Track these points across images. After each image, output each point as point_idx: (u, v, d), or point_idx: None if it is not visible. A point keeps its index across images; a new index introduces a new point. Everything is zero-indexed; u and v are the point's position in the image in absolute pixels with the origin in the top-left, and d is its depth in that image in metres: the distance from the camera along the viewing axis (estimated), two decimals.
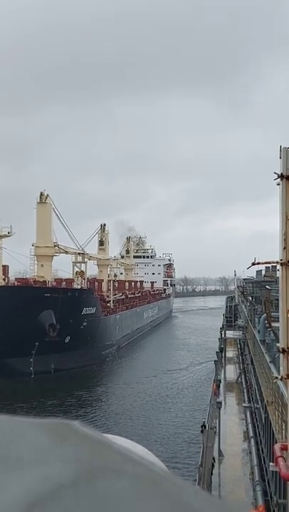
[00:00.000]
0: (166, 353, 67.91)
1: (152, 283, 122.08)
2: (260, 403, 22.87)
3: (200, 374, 51.70)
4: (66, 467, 0.65)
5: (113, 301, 66.92)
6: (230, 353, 44.19)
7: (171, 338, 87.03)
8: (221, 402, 23.09)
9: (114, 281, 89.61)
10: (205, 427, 18.87)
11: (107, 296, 66.20)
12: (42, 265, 61.23)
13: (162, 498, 0.64)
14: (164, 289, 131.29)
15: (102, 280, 76.22)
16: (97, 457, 0.69)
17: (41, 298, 47.72)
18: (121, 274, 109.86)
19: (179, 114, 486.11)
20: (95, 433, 0.77)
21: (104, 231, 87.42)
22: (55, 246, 61.63)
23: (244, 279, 75.11)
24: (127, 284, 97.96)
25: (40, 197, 61.50)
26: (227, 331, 47.73)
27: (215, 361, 35.57)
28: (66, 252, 66.22)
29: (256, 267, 74.56)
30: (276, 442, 12.95)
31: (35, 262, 61.62)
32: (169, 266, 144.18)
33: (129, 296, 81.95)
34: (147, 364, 58.59)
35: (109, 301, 64.93)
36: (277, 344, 12.21)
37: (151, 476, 0.68)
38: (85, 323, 53.28)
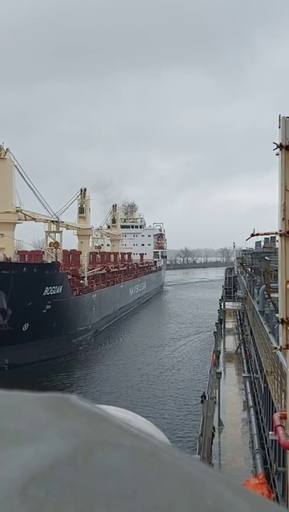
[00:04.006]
0: (156, 331, 61.29)
1: (142, 255, 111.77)
2: (259, 373, 22.95)
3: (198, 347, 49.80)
4: (64, 442, 0.64)
5: (88, 277, 56.09)
6: (230, 324, 44.14)
7: (163, 315, 78.05)
8: (220, 373, 23.24)
9: (96, 253, 79.53)
10: (205, 397, 18.85)
11: (82, 272, 55.40)
12: (2, 235, 50.41)
13: (160, 470, 0.64)
14: (155, 262, 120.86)
15: (80, 252, 65.33)
16: (94, 431, 0.68)
17: None
18: (108, 245, 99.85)
19: (179, 89, 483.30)
20: (93, 407, 0.75)
21: (84, 197, 76.53)
22: (17, 211, 50.73)
23: (243, 251, 73.26)
24: (112, 256, 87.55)
25: None
26: (226, 302, 47.90)
27: (214, 332, 34.97)
28: (34, 220, 55.56)
29: (255, 238, 66.98)
30: (275, 411, 13.33)
31: None
32: (160, 236, 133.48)
33: (112, 270, 71.25)
34: (131, 346, 51.22)
35: (83, 278, 54.12)
36: (277, 315, 12.91)
37: (150, 449, 0.68)
38: (48, 307, 42.65)
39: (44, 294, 41.91)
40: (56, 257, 56.49)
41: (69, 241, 74.08)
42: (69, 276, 49.43)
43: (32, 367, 39.96)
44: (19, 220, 51.84)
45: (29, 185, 53.70)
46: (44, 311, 42.35)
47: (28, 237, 71.17)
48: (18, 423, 0.68)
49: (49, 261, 50.91)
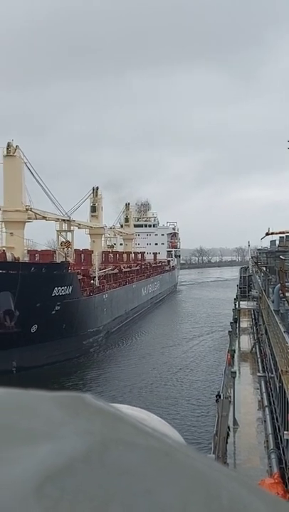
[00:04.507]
0: (170, 331, 60.11)
1: (155, 254, 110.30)
2: (274, 372, 22.94)
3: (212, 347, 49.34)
4: (79, 440, 0.64)
5: (100, 276, 54.83)
6: (245, 323, 43.98)
7: (177, 315, 76.66)
8: (235, 372, 23.19)
9: (109, 252, 78.34)
10: (220, 397, 18.72)
11: (93, 272, 54.14)
12: (11, 234, 49.41)
13: (175, 469, 0.64)
14: (168, 261, 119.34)
15: (92, 252, 64.09)
16: (109, 430, 0.68)
17: None
18: (121, 245, 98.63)
19: (191, 88, 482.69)
20: (107, 406, 0.76)
21: (96, 195, 75.38)
22: (27, 210, 49.67)
23: (258, 250, 74.29)
24: (125, 255, 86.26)
25: (8, 149, 49.26)
26: (241, 302, 47.81)
27: (229, 332, 35.01)
28: (44, 218, 54.47)
29: (270, 237, 65.98)
30: None
31: (3, 229, 49.90)
32: (174, 235, 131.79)
33: (124, 270, 69.94)
34: (143, 347, 50.08)
35: (94, 278, 52.85)
36: None
37: (165, 448, 0.68)
38: (57, 308, 41.43)
39: (53, 294, 40.71)
40: (66, 256, 55.41)
41: (81, 240, 73.23)
42: (79, 276, 48.22)
43: (41, 369, 38.82)
44: (29, 218, 50.81)
45: (40, 184, 52.65)
46: (53, 312, 41.16)
47: (43, 237, 70.41)
48: (33, 422, 0.68)
49: (59, 260, 49.86)
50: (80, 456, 0.61)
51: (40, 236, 72.50)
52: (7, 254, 41.64)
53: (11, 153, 48.99)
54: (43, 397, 0.75)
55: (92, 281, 52.14)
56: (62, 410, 0.71)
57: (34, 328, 39.66)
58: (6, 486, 0.57)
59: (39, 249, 54.98)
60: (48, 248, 62.03)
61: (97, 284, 52.91)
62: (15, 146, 49.41)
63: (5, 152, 49.09)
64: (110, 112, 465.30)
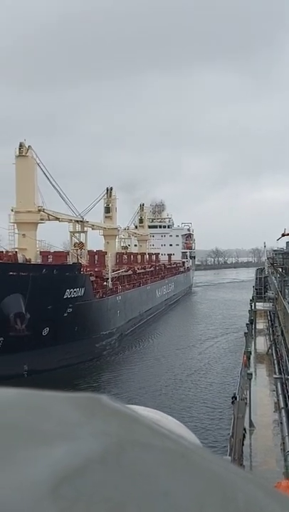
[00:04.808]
0: (185, 332, 59.51)
1: (170, 255, 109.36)
2: None
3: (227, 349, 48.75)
4: (95, 442, 0.64)
5: (113, 278, 54.04)
6: (261, 324, 43.75)
7: (192, 316, 75.80)
8: (251, 374, 23.13)
9: (123, 254, 77.62)
10: (236, 398, 18.58)
11: (106, 273, 53.37)
12: (23, 235, 48.92)
13: (191, 471, 0.64)
14: (183, 262, 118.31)
15: (105, 253, 63.32)
16: (125, 431, 0.68)
17: (3, 278, 35.23)
18: (135, 246, 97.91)
19: (210, 88, 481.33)
20: (123, 407, 0.76)
21: (110, 196, 74.74)
22: (39, 211, 49.13)
23: (274, 251, 72.57)
24: (139, 257, 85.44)
25: (20, 149, 48.74)
26: (257, 303, 47.82)
27: (245, 333, 35.01)
28: (57, 219, 53.93)
29: (286, 238, 65.02)
30: None
31: (15, 231, 49.39)
32: (189, 236, 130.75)
33: (138, 271, 69.08)
34: (158, 349, 49.37)
35: (107, 279, 52.06)
36: None
37: (181, 450, 0.68)
38: (69, 310, 40.67)
39: (65, 296, 39.98)
40: (78, 257, 54.75)
41: (95, 241, 72.65)
42: (92, 278, 47.47)
43: (53, 373, 38.11)
44: (41, 219, 50.31)
45: (52, 185, 52.13)
46: (65, 314, 40.42)
47: (58, 238, 70.00)
48: (48, 422, 0.68)
49: (71, 262, 49.23)
50: (96, 457, 0.61)
51: (56, 237, 72.27)
52: (18, 255, 41.05)
53: (23, 154, 48.49)
54: (59, 397, 0.75)
55: (105, 283, 51.35)
56: (78, 411, 0.70)
57: (46, 331, 38.98)
58: (22, 486, 0.57)
59: (52, 251, 54.31)
60: (63, 250, 61.47)
61: (110, 286, 52.12)
62: (27, 146, 48.91)
63: (17, 152, 48.63)
64: (127, 112, 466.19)
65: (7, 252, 45.23)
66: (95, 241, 72.17)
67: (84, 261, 56.72)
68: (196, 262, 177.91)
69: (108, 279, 52.19)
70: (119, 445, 0.64)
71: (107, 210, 74.45)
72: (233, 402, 18.53)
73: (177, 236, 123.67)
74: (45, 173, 50.46)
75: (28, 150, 48.78)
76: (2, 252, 48.88)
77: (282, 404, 21.94)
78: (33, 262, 43.77)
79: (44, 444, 0.63)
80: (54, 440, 0.64)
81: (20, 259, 40.35)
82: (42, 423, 0.68)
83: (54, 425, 0.67)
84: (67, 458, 0.61)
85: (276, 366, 29.27)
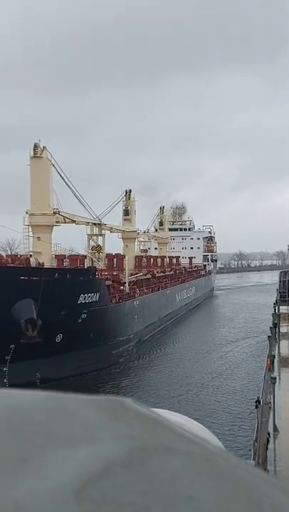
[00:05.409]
0: (206, 337, 58.11)
1: (190, 259, 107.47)
2: None
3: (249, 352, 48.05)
4: (118, 445, 0.64)
5: (130, 282, 52.42)
6: (284, 328, 43.09)
7: (214, 321, 74.06)
8: (275, 378, 23.00)
9: (142, 257, 76.08)
10: (259, 402, 18.21)
11: (123, 277, 51.78)
12: (38, 238, 47.62)
13: (216, 475, 0.64)
14: (204, 265, 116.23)
15: (124, 256, 61.76)
16: (149, 435, 0.68)
17: (14, 282, 33.86)
18: (155, 249, 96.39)
19: (230, 91, 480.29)
20: (148, 410, 0.76)
21: (129, 198, 73.27)
22: (55, 213, 47.78)
23: None
24: (159, 260, 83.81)
25: (35, 150, 47.49)
26: (281, 306, 47.10)
27: (269, 336, 34.57)
28: (74, 222, 52.57)
29: None
30: None
31: (30, 233, 48.16)
32: (210, 239, 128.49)
33: (158, 275, 67.38)
34: (177, 355, 48.13)
35: (124, 283, 50.45)
36: None
37: (205, 454, 0.68)
38: (84, 316, 39.14)
39: (79, 302, 38.46)
40: (98, 260, 53.34)
41: (114, 245, 71.26)
42: (108, 282, 45.92)
43: (67, 381, 36.64)
44: (57, 222, 49.01)
45: (69, 187, 50.80)
46: (79, 320, 38.90)
47: (81, 242, 68.80)
48: (72, 425, 0.69)
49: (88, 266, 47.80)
50: (119, 461, 0.61)
51: (78, 241, 71.15)
52: (31, 259, 39.65)
53: (38, 155, 47.22)
54: (82, 400, 0.75)
55: (122, 287, 49.73)
56: (102, 414, 0.70)
57: (59, 338, 37.50)
58: (47, 489, 0.57)
59: (67, 255, 53.02)
60: (83, 253, 60.10)
61: (127, 290, 50.48)
62: (42, 147, 47.67)
63: (32, 153, 47.42)
64: (149, 116, 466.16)
65: (21, 256, 44.05)
66: (113, 244, 70.94)
67: (102, 264, 55.35)
68: (219, 265, 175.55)
69: (125, 283, 50.56)
70: (143, 449, 0.64)
71: (126, 212, 73.02)
72: (256, 407, 18.24)
73: (198, 239, 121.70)
74: (60, 175, 49.22)
75: (43, 151, 47.51)
76: (17, 255, 47.85)
77: None
78: (47, 265, 42.36)
79: (68, 446, 0.64)
80: (78, 443, 0.64)
81: (32, 263, 38.94)
82: (66, 426, 0.68)
83: (76, 428, 0.67)
84: (91, 461, 0.61)
85: None
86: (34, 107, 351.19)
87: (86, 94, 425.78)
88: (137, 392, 35.61)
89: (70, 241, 54.35)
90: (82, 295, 38.56)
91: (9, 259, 40.44)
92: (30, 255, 43.89)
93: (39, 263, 39.30)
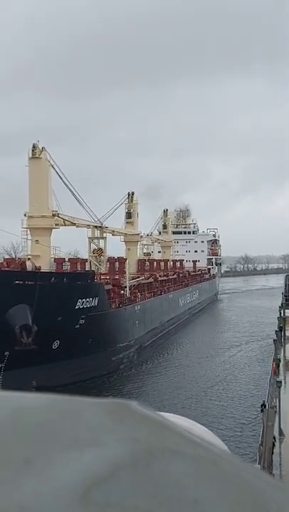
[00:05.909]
0: (210, 341, 57.70)
1: (194, 262, 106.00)
2: None
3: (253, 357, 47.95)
4: (124, 448, 0.64)
5: (132, 286, 51.07)
6: None
7: (218, 325, 73.06)
8: (281, 381, 22.58)
9: (145, 260, 74.78)
10: (265, 406, 18.64)
11: (124, 281, 50.42)
12: (37, 241, 46.39)
13: (222, 479, 0.64)
14: (208, 269, 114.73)
15: (125, 260, 60.43)
16: (155, 438, 0.67)
17: (9, 287, 32.56)
18: (159, 252, 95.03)
19: (234, 94, 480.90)
20: (153, 413, 0.76)
21: (132, 201, 72.05)
22: (54, 216, 46.56)
23: None
24: (162, 264, 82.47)
25: (33, 150, 46.29)
26: (286, 310, 46.76)
27: (274, 340, 34.96)
28: (74, 225, 51.36)
29: None
30: None
31: (28, 236, 46.95)
32: (214, 242, 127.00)
33: (160, 279, 66.00)
34: (180, 360, 47.52)
35: (124, 288, 49.09)
36: None
37: (211, 458, 0.67)
38: (82, 321, 37.79)
39: (76, 307, 37.11)
40: (96, 264, 52.11)
41: (116, 248, 69.97)
42: (108, 287, 44.57)
43: (65, 389, 35.25)
44: (56, 225, 47.79)
45: (69, 189, 49.62)
46: (77, 326, 37.54)
47: (84, 245, 67.83)
48: (77, 428, 0.68)
49: (91, 269, 46.55)
50: (125, 464, 0.61)
51: (81, 244, 70.03)
52: (27, 263, 38.33)
53: (37, 155, 46.02)
54: (88, 403, 0.75)
55: (122, 292, 48.37)
56: (107, 417, 0.70)
57: (56, 345, 36.16)
58: (51, 491, 0.57)
59: (66, 258, 51.76)
60: (72, 258, 58.81)
61: (127, 295, 49.11)
62: (41, 148, 46.46)
63: (30, 154, 46.23)
64: (153, 120, 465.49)
65: (19, 259, 42.79)
66: (115, 247, 69.66)
67: (103, 268, 54.06)
68: (225, 269, 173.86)
69: (126, 287, 49.20)
70: (149, 452, 0.63)
71: (129, 215, 71.84)
72: (262, 411, 18.07)
73: (202, 242, 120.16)
74: (60, 176, 48.01)
75: (41, 152, 46.31)
76: (13, 259, 46.62)
77: None
78: (45, 269, 41.05)
79: (73, 448, 0.64)
80: (83, 445, 0.64)
81: (28, 266, 37.63)
82: (71, 428, 0.68)
83: (82, 430, 0.67)
84: (96, 463, 0.60)
85: None
86: (36, 110, 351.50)
87: (90, 98, 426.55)
88: (139, 399, 34.45)
89: (74, 244, 53.19)
90: (80, 300, 37.22)
91: (5, 263, 39.14)
92: (28, 259, 42.63)
93: (35, 267, 37.97)
